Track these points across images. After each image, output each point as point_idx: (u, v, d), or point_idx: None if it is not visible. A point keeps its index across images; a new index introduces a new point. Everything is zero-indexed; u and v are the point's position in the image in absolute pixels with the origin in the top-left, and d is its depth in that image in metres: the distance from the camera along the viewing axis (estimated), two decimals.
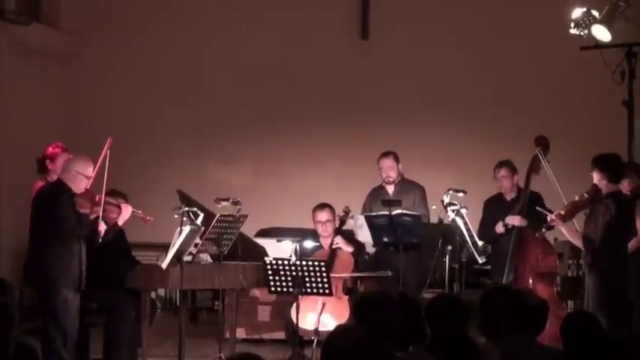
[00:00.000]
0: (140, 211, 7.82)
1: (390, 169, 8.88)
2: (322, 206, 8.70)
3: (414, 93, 12.00)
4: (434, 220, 8.85)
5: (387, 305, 4.57)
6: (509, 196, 8.55)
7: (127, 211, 7.73)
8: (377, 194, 8.95)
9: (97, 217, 7.49)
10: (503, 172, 8.57)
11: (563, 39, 9.14)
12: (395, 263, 8.31)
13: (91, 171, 7.58)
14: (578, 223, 7.80)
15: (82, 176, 7.49)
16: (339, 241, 8.56)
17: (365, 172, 11.66)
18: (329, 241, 8.62)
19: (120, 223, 7.74)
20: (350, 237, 8.71)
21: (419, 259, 8.44)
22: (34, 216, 7.56)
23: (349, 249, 8.55)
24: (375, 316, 4.50)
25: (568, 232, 7.69)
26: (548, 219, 7.66)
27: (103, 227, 7.51)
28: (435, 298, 5.13)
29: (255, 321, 9.55)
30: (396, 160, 8.92)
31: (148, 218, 7.83)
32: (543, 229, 7.91)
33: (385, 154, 8.96)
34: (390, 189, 8.94)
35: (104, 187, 7.51)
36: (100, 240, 7.54)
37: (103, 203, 7.49)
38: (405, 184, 8.95)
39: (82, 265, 7.45)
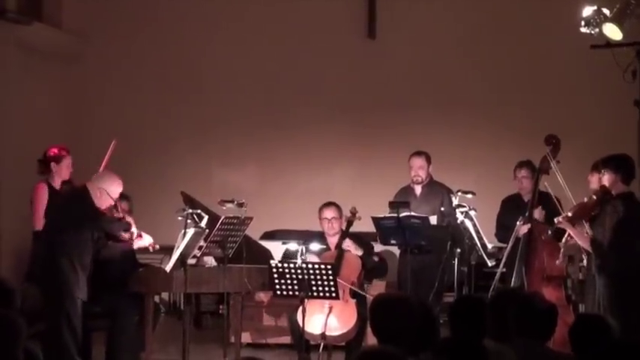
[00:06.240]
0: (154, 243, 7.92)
1: (420, 169, 8.94)
2: (329, 204, 8.77)
3: (421, 93, 11.94)
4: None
5: (404, 309, 4.60)
6: (527, 197, 8.54)
7: (146, 239, 7.80)
8: (404, 194, 8.98)
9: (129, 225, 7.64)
10: (524, 172, 8.68)
11: (574, 38, 9.11)
12: (414, 267, 8.35)
13: (117, 194, 7.62)
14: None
15: (107, 196, 7.54)
16: (349, 245, 8.57)
17: (372, 173, 11.73)
18: (335, 240, 8.66)
19: (135, 247, 7.82)
20: (358, 238, 8.72)
21: (438, 263, 8.41)
22: (57, 216, 7.58)
23: (359, 252, 8.56)
24: (392, 319, 4.55)
25: (576, 235, 7.59)
26: (556, 221, 7.64)
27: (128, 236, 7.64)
28: (461, 298, 5.12)
29: (261, 325, 9.55)
30: (428, 160, 8.98)
31: (157, 247, 7.92)
32: (549, 232, 7.90)
33: (417, 153, 9.02)
34: (418, 190, 8.99)
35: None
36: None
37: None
38: (433, 185, 9.00)
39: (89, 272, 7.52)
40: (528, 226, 8.22)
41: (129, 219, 7.81)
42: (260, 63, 12.13)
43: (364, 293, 8.41)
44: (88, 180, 7.70)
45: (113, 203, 7.62)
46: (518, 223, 8.17)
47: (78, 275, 7.40)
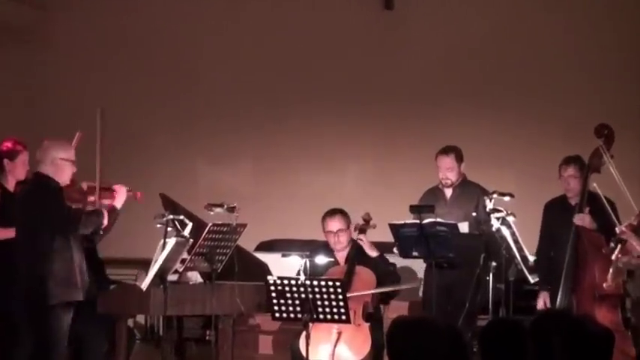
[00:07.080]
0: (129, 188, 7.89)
1: (448, 170, 8.90)
2: (332, 213, 8.74)
3: (448, 77, 11.96)
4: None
5: (429, 334, 4.50)
6: (575, 200, 8.48)
7: (121, 191, 7.76)
8: (432, 197, 8.96)
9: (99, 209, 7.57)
10: (570, 170, 8.57)
11: (633, 3, 9.02)
12: (441, 284, 8.35)
13: (73, 154, 7.65)
14: None
15: (68, 163, 7.54)
16: (365, 242, 8.58)
17: (390, 172, 11.70)
18: (344, 254, 8.67)
19: (118, 206, 7.75)
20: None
21: (469, 279, 8.40)
22: (21, 221, 7.52)
23: (374, 253, 8.59)
24: (415, 346, 4.46)
25: None
26: (617, 231, 7.55)
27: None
28: (495, 322, 5.15)
29: (256, 354, 9.69)
30: (458, 158, 8.94)
31: (138, 194, 7.93)
32: (612, 244, 7.75)
33: (444, 151, 8.97)
34: (449, 192, 8.98)
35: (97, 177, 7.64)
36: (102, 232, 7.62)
37: (97, 189, 7.61)
38: (466, 186, 9.00)
39: (84, 275, 7.42)
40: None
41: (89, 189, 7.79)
42: (257, 41, 12.16)
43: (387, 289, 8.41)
44: (36, 167, 7.63)
45: (74, 168, 7.61)
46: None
47: (66, 280, 7.31)
